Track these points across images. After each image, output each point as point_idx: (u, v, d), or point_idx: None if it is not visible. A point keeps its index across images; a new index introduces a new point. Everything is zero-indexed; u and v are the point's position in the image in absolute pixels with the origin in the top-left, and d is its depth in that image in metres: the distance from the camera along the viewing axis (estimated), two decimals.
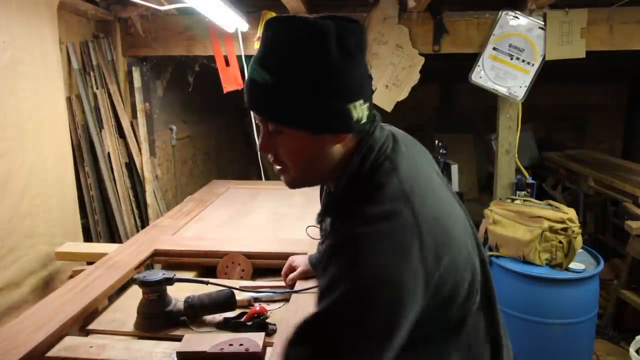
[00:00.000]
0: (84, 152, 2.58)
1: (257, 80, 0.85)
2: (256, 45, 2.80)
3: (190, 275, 1.76)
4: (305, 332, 0.82)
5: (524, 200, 2.68)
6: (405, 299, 0.77)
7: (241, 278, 1.77)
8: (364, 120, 0.89)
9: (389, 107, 2.85)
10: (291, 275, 1.56)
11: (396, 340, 0.78)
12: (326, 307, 0.79)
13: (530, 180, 2.92)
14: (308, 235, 1.13)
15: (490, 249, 2.59)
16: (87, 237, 2.59)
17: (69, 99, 2.51)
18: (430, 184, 0.90)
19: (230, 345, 1.22)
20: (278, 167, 0.96)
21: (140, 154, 2.87)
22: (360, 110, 0.87)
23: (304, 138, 0.87)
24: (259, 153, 3.11)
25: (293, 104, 0.84)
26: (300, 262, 1.58)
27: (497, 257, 2.48)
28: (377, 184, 0.85)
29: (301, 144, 0.88)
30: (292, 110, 0.84)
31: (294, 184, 0.97)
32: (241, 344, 1.22)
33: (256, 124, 0.96)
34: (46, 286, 2.11)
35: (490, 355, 0.97)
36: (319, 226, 1.19)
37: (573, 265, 2.38)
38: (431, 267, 0.79)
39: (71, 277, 2.03)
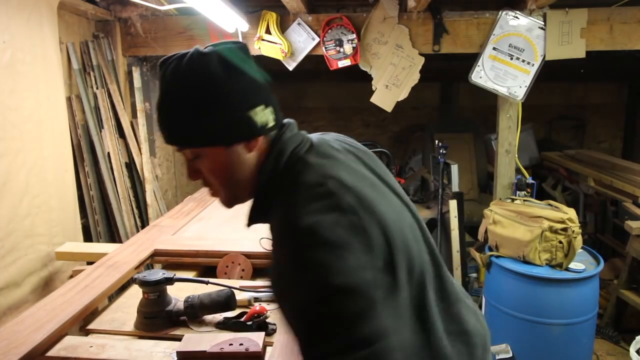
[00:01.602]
0: (84, 152, 2.58)
1: (164, 117, 0.94)
2: (256, 45, 2.80)
3: (190, 275, 1.76)
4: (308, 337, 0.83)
5: (524, 200, 2.68)
6: (354, 256, 0.81)
7: (241, 278, 1.77)
8: (271, 124, 0.95)
9: (389, 107, 2.85)
10: None
11: (379, 292, 0.81)
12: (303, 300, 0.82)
13: (530, 180, 2.92)
14: (262, 247, 1.16)
15: (490, 249, 2.59)
16: (87, 237, 2.59)
17: (69, 99, 2.51)
18: (357, 182, 0.92)
19: (230, 345, 1.23)
20: (210, 191, 1.02)
21: (140, 154, 2.87)
22: (262, 115, 0.93)
23: (220, 154, 0.93)
24: None
25: (198, 126, 0.91)
26: None
27: (497, 257, 2.48)
28: (293, 180, 0.91)
29: (219, 160, 0.94)
30: (200, 131, 0.91)
31: (229, 202, 1.04)
32: (241, 344, 1.23)
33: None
34: (46, 286, 2.11)
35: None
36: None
37: (573, 265, 2.38)
38: (363, 222, 0.84)
39: (71, 277, 2.03)
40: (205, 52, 0.92)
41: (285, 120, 1.01)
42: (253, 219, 1.02)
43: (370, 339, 0.77)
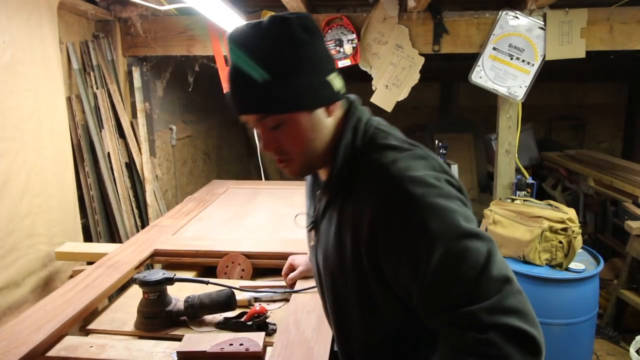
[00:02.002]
0: (84, 152, 2.58)
1: (245, 85, 0.91)
2: None
3: (190, 275, 1.76)
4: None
5: (524, 200, 2.68)
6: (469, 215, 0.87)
7: (241, 278, 1.77)
8: (343, 90, 0.98)
9: (389, 107, 2.85)
10: (291, 275, 1.55)
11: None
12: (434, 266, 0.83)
13: (530, 180, 2.92)
14: (297, 224, 1.19)
15: None
16: (87, 237, 2.59)
17: (69, 99, 2.51)
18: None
19: (230, 345, 1.23)
20: (282, 161, 0.99)
21: (140, 154, 2.87)
22: (337, 82, 0.96)
23: (303, 119, 0.93)
24: (259, 153, 3.11)
25: (286, 91, 0.90)
26: (301, 262, 1.57)
27: None
28: (379, 144, 0.95)
29: (302, 125, 0.93)
30: (286, 97, 0.90)
31: (301, 171, 1.02)
32: (241, 344, 1.23)
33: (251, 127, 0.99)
34: (46, 286, 2.11)
35: None
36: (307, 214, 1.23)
37: (573, 265, 2.38)
38: (458, 187, 0.92)
39: (71, 277, 2.04)
40: (285, 18, 0.91)
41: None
42: (334, 187, 1.00)
43: (503, 281, 0.82)
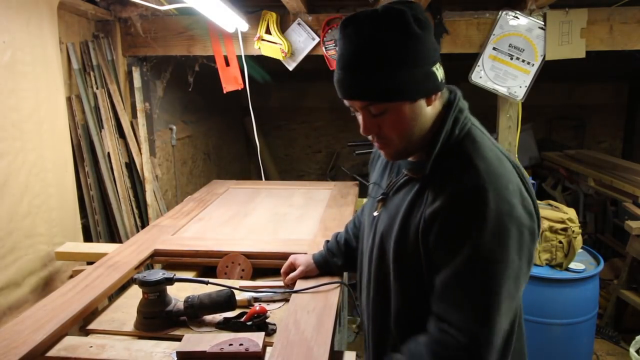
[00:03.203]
0: (84, 152, 2.58)
1: (354, 73, 0.97)
2: (256, 45, 2.80)
3: (190, 275, 1.76)
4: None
5: None
6: (526, 232, 0.97)
7: (241, 278, 1.77)
8: (444, 79, 1.03)
9: None
10: (291, 275, 1.56)
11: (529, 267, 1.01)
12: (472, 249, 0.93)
13: (530, 180, 2.92)
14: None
15: None
16: (87, 237, 2.59)
17: (69, 99, 2.51)
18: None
19: (230, 345, 1.23)
20: (381, 145, 1.07)
21: (140, 154, 2.87)
22: (440, 72, 1.01)
23: (405, 108, 0.99)
24: (259, 153, 3.11)
25: (393, 82, 0.95)
26: (302, 261, 1.58)
27: None
28: (477, 144, 1.01)
29: (404, 114, 1.00)
30: (392, 88, 0.96)
31: (398, 155, 1.09)
32: (241, 344, 1.23)
33: (348, 108, 1.07)
34: (46, 286, 2.11)
35: None
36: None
37: (573, 265, 2.38)
38: (530, 206, 1.01)
39: (71, 277, 2.04)
40: (400, 9, 0.95)
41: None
42: (424, 169, 1.05)
43: (501, 333, 0.95)
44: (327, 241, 1.61)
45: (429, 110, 1.02)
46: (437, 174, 1.01)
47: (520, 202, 0.96)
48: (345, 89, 0.99)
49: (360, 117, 1.03)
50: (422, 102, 1.00)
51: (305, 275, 1.55)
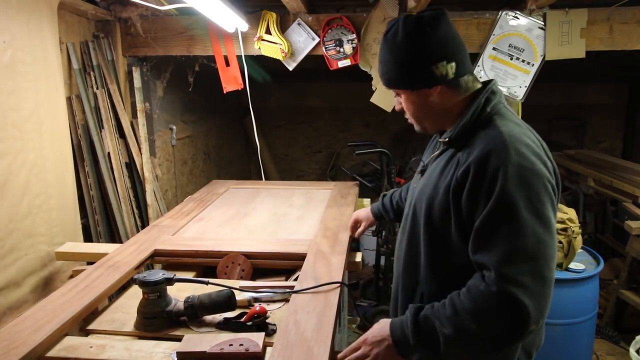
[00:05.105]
0: (84, 152, 2.58)
1: (381, 65, 1.30)
2: (256, 45, 2.80)
3: (190, 275, 1.76)
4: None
5: None
6: (547, 183, 1.14)
7: (241, 278, 1.77)
8: (450, 76, 1.21)
9: (388, 107, 2.85)
10: (358, 231, 1.91)
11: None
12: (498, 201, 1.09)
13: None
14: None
15: None
16: (87, 237, 2.59)
17: (69, 99, 2.51)
18: None
19: (230, 345, 1.23)
20: (410, 122, 1.36)
21: (140, 154, 2.87)
22: (449, 68, 1.21)
23: (409, 95, 1.29)
24: (259, 153, 3.11)
25: (396, 73, 1.26)
26: (363, 217, 1.91)
27: None
28: (508, 119, 1.21)
29: (408, 98, 1.29)
30: (396, 78, 1.27)
31: (419, 130, 1.36)
32: (241, 344, 1.23)
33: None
34: (46, 286, 2.11)
35: None
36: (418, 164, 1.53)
37: (573, 265, 2.39)
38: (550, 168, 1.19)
39: (71, 277, 2.04)
40: (419, 17, 1.21)
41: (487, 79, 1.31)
42: (454, 137, 1.24)
43: (535, 260, 1.07)
44: (384, 195, 1.89)
45: (436, 98, 1.24)
46: (468, 142, 1.20)
47: (540, 161, 1.13)
48: (383, 79, 1.32)
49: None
50: (425, 91, 1.24)
51: (370, 227, 1.94)
